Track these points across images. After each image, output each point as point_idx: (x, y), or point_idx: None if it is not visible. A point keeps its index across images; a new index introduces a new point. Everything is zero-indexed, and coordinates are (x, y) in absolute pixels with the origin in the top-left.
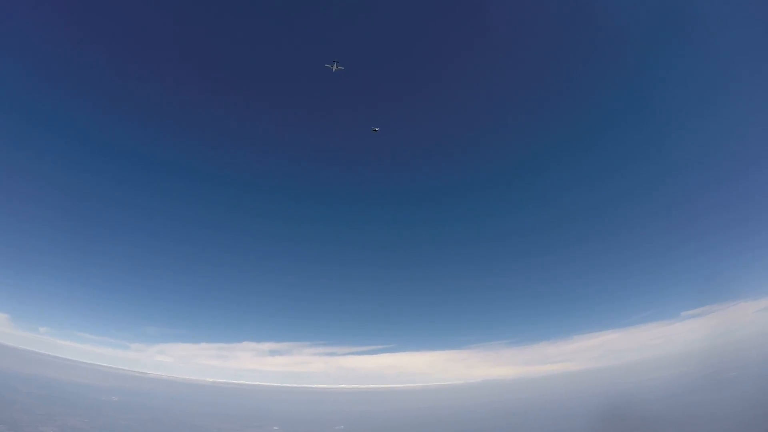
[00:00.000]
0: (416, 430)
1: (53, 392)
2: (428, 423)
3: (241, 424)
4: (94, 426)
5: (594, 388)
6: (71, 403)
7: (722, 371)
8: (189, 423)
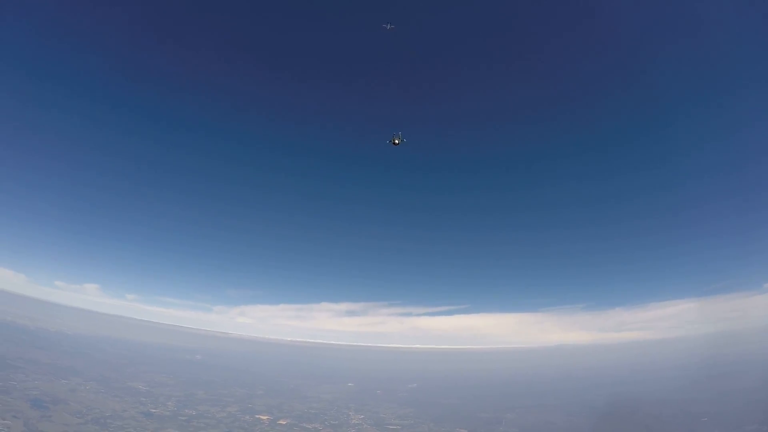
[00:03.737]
0: (489, 391)
1: (140, 353)
2: (501, 385)
3: (318, 381)
4: (178, 381)
5: (672, 359)
6: (157, 362)
7: None
8: (268, 380)
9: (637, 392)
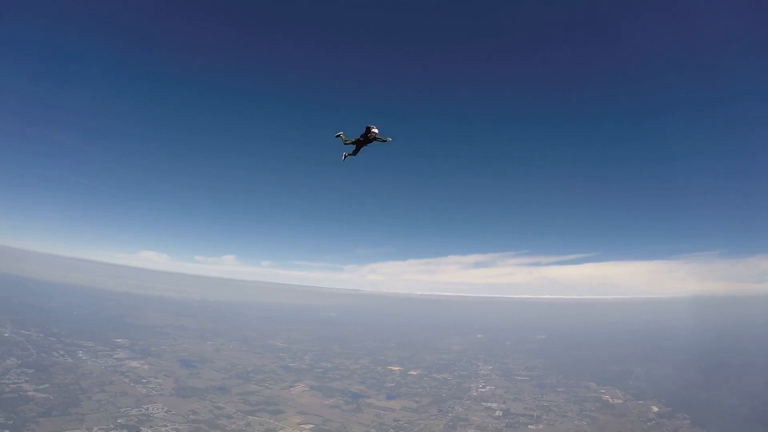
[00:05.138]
0: (619, 343)
1: (277, 314)
2: (631, 337)
3: (447, 332)
4: (314, 337)
5: None
6: (294, 321)
7: None
8: (399, 332)
9: None
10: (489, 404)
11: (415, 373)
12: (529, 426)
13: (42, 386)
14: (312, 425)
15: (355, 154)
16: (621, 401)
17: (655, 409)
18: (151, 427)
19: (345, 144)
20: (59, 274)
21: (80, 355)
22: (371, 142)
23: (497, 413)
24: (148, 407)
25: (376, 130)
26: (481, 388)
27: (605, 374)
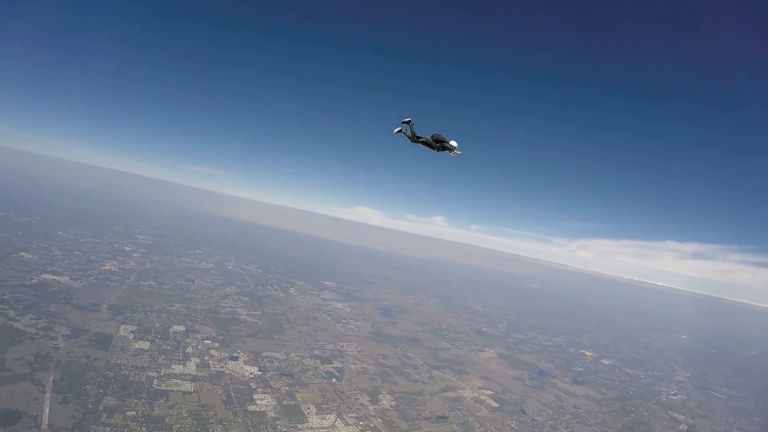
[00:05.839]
0: None
1: (481, 278)
2: None
3: (650, 326)
4: (513, 307)
5: None
6: (495, 287)
7: None
8: (599, 316)
9: None
10: (675, 415)
11: (607, 362)
12: None
13: (253, 312)
14: (491, 392)
15: (412, 140)
16: None
17: None
18: (342, 362)
19: (409, 137)
20: (283, 222)
21: (291, 291)
22: (440, 150)
23: (681, 427)
24: (343, 345)
25: (455, 144)
26: (672, 394)
27: None
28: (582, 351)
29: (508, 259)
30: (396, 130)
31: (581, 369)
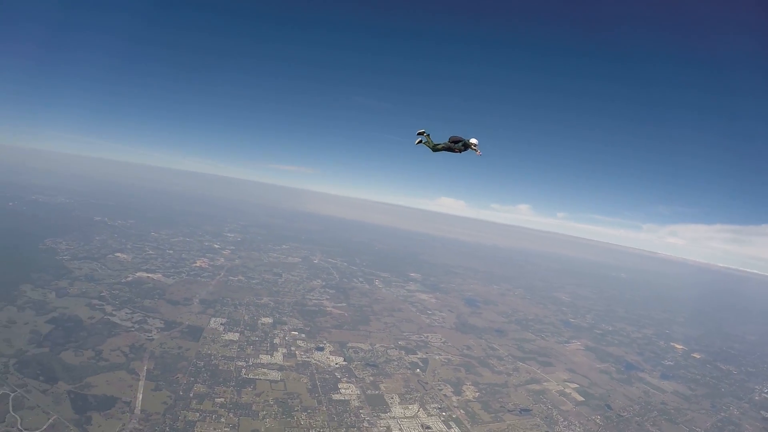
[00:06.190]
0: None
1: (567, 267)
2: None
3: (748, 318)
4: (600, 297)
5: None
6: (582, 276)
7: None
8: (691, 307)
9: None
10: None
11: (698, 356)
12: None
13: (339, 304)
14: (577, 385)
15: (433, 149)
16: None
17: None
18: (427, 353)
19: (430, 147)
20: (367, 215)
21: (376, 283)
22: (463, 151)
23: None
24: (428, 336)
25: (475, 141)
26: (766, 393)
27: None
28: (672, 344)
29: (595, 247)
30: (416, 141)
31: (671, 363)
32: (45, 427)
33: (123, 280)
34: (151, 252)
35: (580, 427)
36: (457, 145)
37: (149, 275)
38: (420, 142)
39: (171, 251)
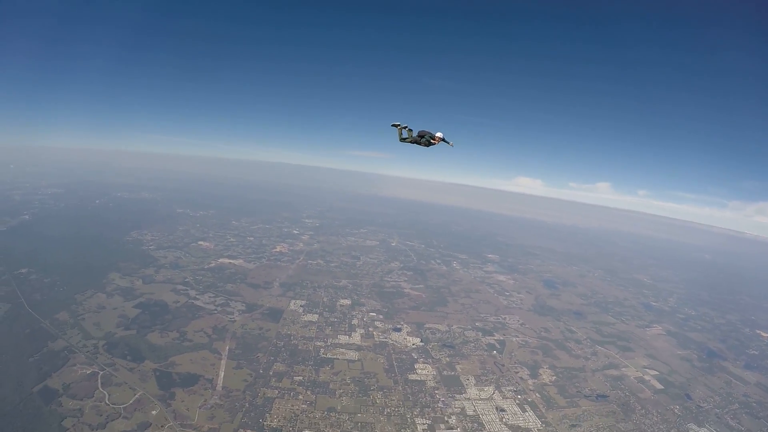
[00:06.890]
0: None
1: (648, 247)
2: None
3: None
4: (683, 279)
5: None
6: (664, 258)
7: None
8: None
9: None
10: None
11: None
12: None
13: (417, 286)
14: (656, 372)
15: (405, 140)
16: None
17: None
18: (504, 335)
19: (400, 136)
20: (443, 197)
21: (454, 264)
22: (432, 144)
23: None
24: (505, 317)
25: (441, 135)
26: None
27: None
28: (758, 331)
29: (677, 226)
30: (394, 124)
31: (756, 352)
32: (131, 401)
33: (206, 267)
34: (232, 239)
35: (657, 417)
36: (423, 140)
37: (231, 261)
38: (397, 126)
39: (251, 238)
